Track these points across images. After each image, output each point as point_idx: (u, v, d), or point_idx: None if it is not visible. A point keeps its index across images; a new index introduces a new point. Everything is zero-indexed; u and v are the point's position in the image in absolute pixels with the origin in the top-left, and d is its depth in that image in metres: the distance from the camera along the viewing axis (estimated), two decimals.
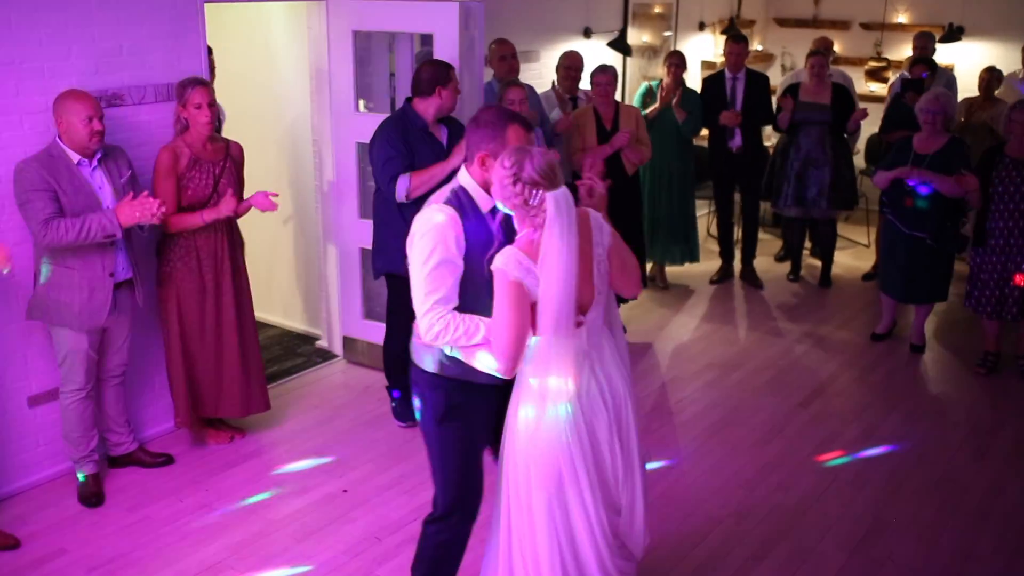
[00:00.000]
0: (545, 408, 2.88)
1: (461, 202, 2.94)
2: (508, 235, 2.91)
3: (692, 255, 7.29)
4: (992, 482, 4.59)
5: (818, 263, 7.64)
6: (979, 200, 5.60)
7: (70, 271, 4.05)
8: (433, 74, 4.56)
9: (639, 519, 3.10)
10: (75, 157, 3.99)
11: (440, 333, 2.84)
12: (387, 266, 4.84)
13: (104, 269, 4.11)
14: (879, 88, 8.98)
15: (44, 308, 4.11)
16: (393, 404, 5.13)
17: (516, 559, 3.02)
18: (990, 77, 7.38)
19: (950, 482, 4.58)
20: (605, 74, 6.06)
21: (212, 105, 4.37)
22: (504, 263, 2.76)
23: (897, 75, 8.11)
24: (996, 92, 7.44)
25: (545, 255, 2.73)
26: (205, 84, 4.38)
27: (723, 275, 7.63)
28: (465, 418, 3.07)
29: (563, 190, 2.74)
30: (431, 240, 2.85)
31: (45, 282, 4.06)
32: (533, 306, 2.79)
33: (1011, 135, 5.53)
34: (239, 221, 4.69)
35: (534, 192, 2.73)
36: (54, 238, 3.88)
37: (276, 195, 4.55)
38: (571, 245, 2.73)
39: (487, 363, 2.88)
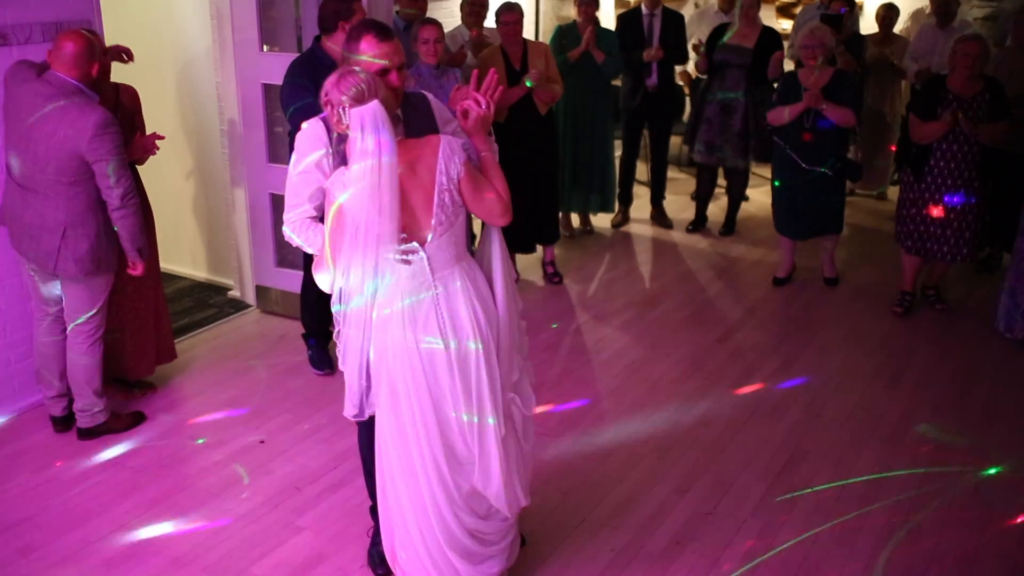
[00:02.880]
0: (378, 335, 2.89)
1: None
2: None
3: (606, 204, 7.16)
4: (905, 408, 4.69)
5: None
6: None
7: (104, 217, 4.02)
8: (335, 8, 4.40)
9: (495, 474, 2.97)
10: None
11: (290, 237, 2.99)
12: None
13: None
14: (791, 25, 9.01)
15: (103, 258, 4.03)
16: (310, 352, 5.02)
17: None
18: (887, 13, 7.51)
19: (865, 410, 4.68)
20: (512, 12, 5.81)
21: None
22: (330, 182, 2.80)
23: (802, 9, 8.16)
24: (899, 30, 7.60)
25: (351, 173, 2.67)
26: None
27: (623, 219, 7.51)
28: None
29: (369, 107, 2.63)
30: (296, 151, 2.97)
31: (100, 231, 3.98)
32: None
33: (954, 68, 5.44)
34: (140, 169, 4.48)
35: (344, 112, 2.67)
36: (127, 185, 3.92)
37: (162, 137, 4.36)
38: (378, 165, 2.61)
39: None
